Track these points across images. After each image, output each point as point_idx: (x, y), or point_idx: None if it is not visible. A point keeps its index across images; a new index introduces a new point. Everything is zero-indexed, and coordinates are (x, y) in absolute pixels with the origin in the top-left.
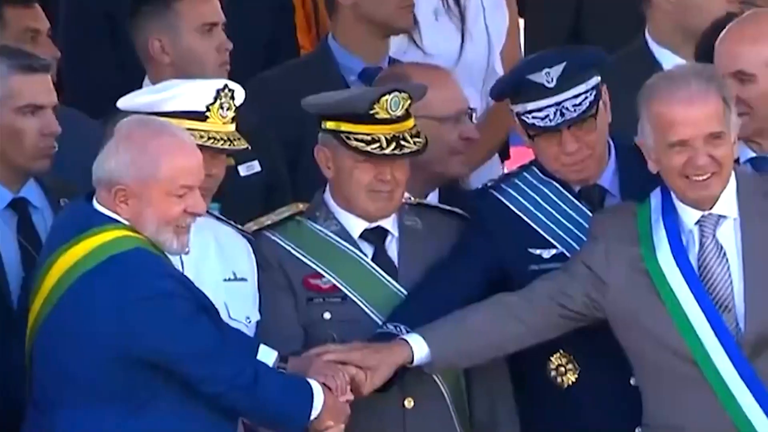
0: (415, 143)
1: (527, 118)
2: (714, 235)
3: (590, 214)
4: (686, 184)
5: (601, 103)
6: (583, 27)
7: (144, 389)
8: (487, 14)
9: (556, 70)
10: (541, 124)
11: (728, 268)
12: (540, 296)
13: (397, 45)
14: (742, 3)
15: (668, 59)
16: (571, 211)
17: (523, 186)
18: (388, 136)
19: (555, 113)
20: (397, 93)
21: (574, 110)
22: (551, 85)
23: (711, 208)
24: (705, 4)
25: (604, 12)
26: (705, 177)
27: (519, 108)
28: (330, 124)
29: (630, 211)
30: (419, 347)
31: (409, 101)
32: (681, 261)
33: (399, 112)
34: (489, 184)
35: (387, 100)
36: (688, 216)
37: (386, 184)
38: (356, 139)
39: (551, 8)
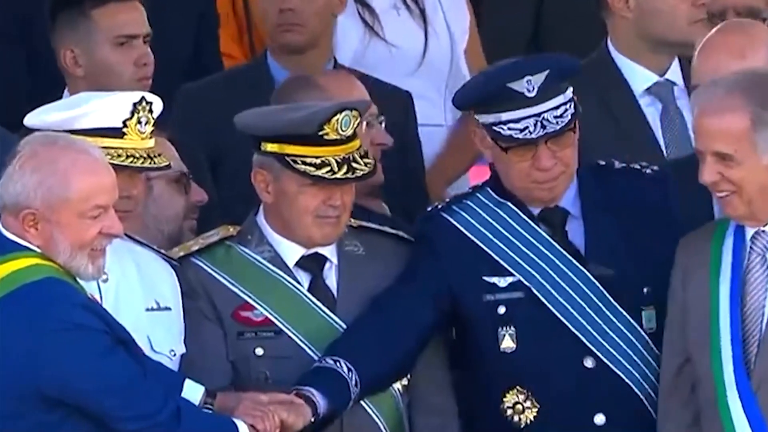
0: (366, 164)
1: (501, 129)
2: (763, 254)
3: (549, 238)
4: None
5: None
6: (543, 33)
7: (55, 429)
8: (446, 12)
9: (538, 79)
10: (520, 136)
11: (766, 290)
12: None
13: (358, 38)
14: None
15: (630, 68)
16: (528, 235)
17: (476, 208)
18: (338, 158)
19: (535, 125)
20: (347, 111)
21: (556, 122)
22: (531, 95)
23: (765, 225)
24: (667, 11)
25: (563, 18)
26: (722, 194)
27: (491, 118)
28: (271, 147)
29: (712, 228)
30: None
31: (358, 120)
32: (734, 288)
33: (349, 132)
34: (439, 206)
35: (338, 120)
36: (747, 229)
37: (335, 209)
38: (304, 163)
39: (510, 14)
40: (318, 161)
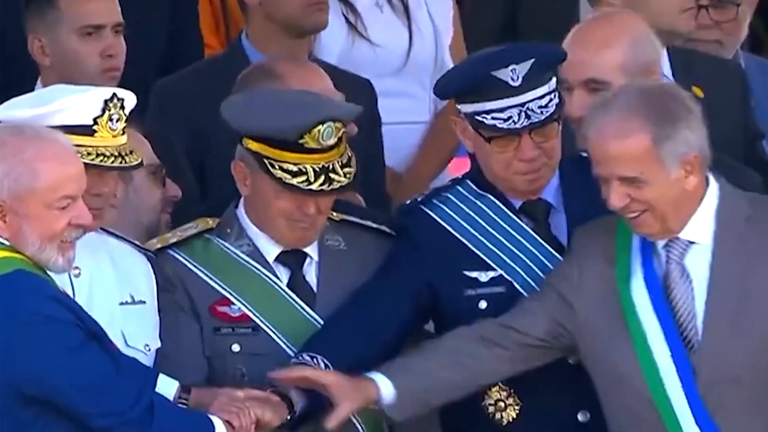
0: (345, 175)
1: (485, 118)
2: (680, 262)
3: (531, 232)
4: (625, 218)
5: None
6: (519, 22)
7: (28, 428)
8: (430, 6)
9: (523, 67)
10: (504, 125)
11: (693, 298)
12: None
13: (343, 39)
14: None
15: None
16: (510, 229)
17: (456, 201)
18: (316, 167)
19: (519, 115)
20: (330, 123)
21: (541, 112)
22: (516, 84)
23: (679, 232)
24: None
25: (540, 6)
26: (634, 215)
27: (475, 107)
28: (253, 145)
29: (613, 224)
30: (385, 386)
31: (342, 130)
32: (654, 293)
33: (330, 142)
34: (419, 199)
35: (319, 131)
36: None
37: (309, 217)
38: (281, 169)
39: (486, 2)
40: (295, 168)
